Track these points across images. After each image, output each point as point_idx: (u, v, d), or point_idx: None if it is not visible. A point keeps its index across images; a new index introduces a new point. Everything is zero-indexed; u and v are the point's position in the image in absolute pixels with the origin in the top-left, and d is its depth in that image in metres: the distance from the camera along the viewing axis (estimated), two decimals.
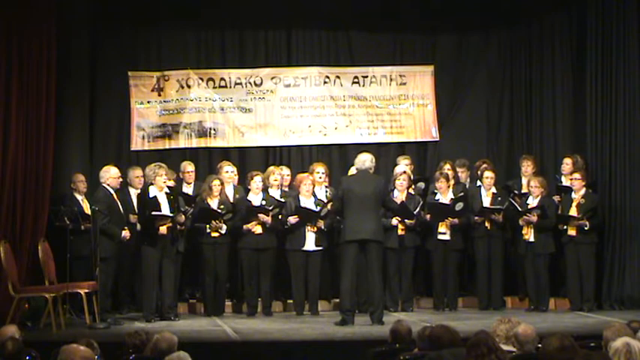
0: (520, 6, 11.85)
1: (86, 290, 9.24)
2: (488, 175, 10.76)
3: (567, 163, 10.79)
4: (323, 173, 10.59)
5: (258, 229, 10.33)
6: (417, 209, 10.48)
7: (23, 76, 9.93)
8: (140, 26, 11.65)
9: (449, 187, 10.69)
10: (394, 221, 10.41)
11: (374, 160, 9.74)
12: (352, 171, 10.04)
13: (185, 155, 11.46)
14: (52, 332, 8.86)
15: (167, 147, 11.63)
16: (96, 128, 11.44)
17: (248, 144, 11.80)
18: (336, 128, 11.94)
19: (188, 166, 10.92)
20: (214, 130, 11.71)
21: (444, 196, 10.65)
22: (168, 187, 9.97)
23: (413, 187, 10.88)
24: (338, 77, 11.94)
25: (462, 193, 10.67)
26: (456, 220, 10.52)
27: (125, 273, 10.33)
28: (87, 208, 10.07)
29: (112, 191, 9.96)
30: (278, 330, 9.13)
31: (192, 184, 10.81)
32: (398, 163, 11.15)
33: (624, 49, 10.58)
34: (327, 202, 10.26)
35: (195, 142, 11.68)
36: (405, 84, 12.03)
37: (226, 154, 11.60)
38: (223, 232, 10.30)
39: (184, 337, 6.75)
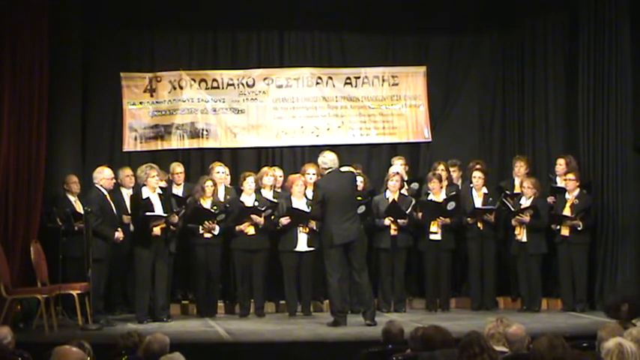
0: (513, 7, 11.85)
1: (79, 291, 9.21)
2: (477, 175, 10.76)
3: (561, 164, 10.78)
4: (314, 174, 10.56)
5: (250, 230, 10.33)
6: (409, 209, 10.50)
7: (16, 77, 9.89)
8: (132, 27, 11.62)
9: (441, 187, 10.70)
10: (387, 221, 10.42)
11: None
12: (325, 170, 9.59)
13: (177, 156, 11.44)
14: (45, 334, 8.84)
15: (159, 148, 11.61)
16: (88, 129, 11.42)
17: (240, 145, 11.78)
18: (328, 129, 11.93)
19: (177, 167, 10.90)
20: (206, 131, 11.70)
21: (437, 196, 10.65)
22: (161, 187, 9.97)
23: (407, 187, 10.89)
24: (330, 78, 11.93)
25: (453, 193, 10.68)
26: (447, 220, 10.53)
27: (118, 274, 10.28)
28: (80, 209, 10.04)
29: (105, 192, 9.92)
30: (270, 331, 9.12)
31: (181, 185, 10.79)
32: (393, 163, 11.17)
33: (616, 50, 10.58)
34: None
35: (188, 143, 11.66)
36: (397, 85, 12.03)
37: (218, 155, 11.59)
38: (216, 232, 10.29)
39: (177, 339, 6.75)
